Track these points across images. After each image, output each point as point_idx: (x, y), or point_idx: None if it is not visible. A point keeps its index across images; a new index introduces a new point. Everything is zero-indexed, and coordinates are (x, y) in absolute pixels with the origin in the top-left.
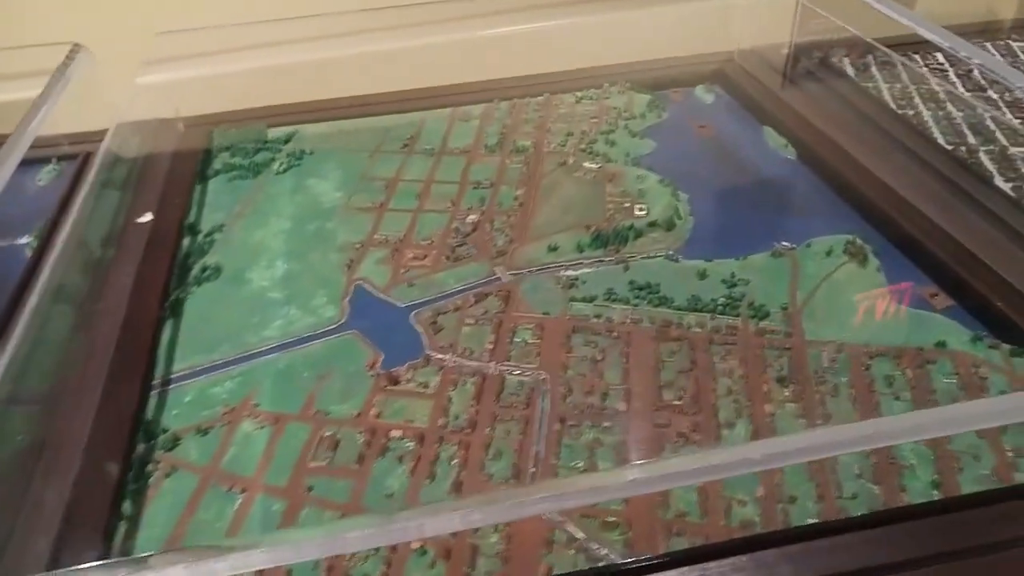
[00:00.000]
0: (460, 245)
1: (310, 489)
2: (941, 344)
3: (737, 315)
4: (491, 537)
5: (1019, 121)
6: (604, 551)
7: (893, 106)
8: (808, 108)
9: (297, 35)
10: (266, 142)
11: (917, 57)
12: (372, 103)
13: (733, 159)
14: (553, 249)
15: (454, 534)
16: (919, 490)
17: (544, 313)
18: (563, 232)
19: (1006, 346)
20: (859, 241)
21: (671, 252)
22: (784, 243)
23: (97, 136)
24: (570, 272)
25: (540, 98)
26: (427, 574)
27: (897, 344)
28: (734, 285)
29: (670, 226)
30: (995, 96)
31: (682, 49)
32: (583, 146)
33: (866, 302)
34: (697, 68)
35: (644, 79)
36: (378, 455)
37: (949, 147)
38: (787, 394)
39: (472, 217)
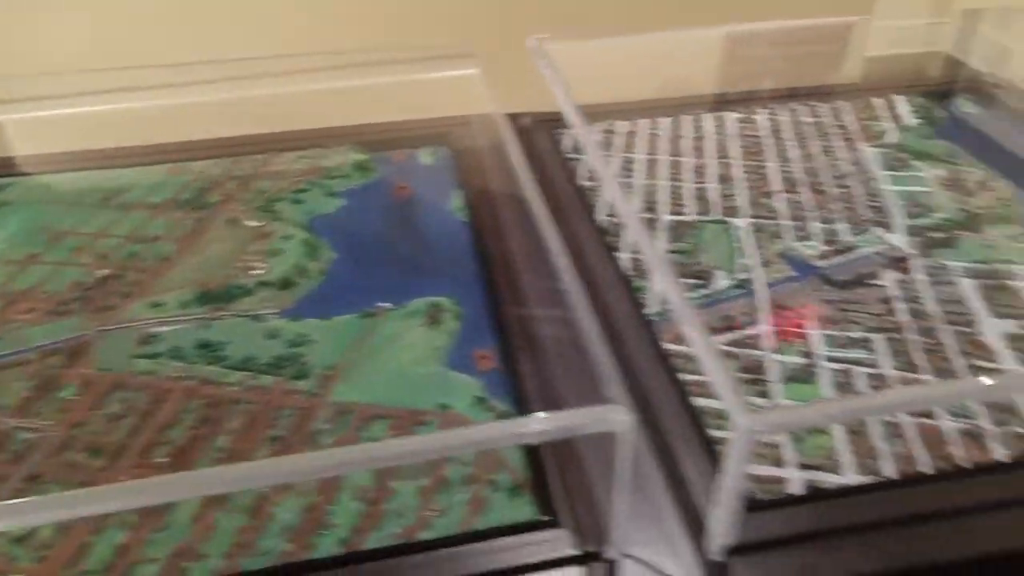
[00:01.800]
0: (75, 299)
1: None
2: (444, 406)
3: (278, 375)
4: None
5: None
6: None
7: (585, 179)
8: (500, 176)
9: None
10: None
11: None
12: (107, 156)
13: (409, 220)
14: (156, 306)
15: None
16: (326, 547)
17: (102, 370)
18: (177, 290)
19: (502, 408)
20: (448, 304)
21: (275, 311)
22: (383, 304)
23: None
24: (154, 329)
25: (261, 156)
26: None
27: (408, 406)
28: (298, 345)
29: (286, 285)
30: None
31: (421, 112)
32: (265, 204)
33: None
34: (432, 131)
35: (375, 140)
36: None
37: (603, 224)
38: (268, 453)
39: (103, 272)
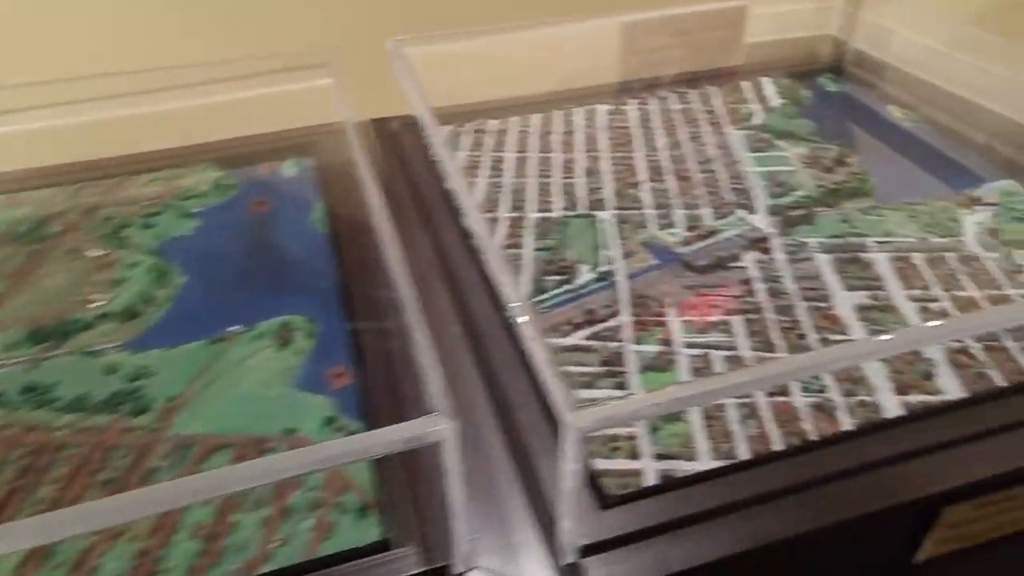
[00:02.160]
0: None
1: None
2: (290, 430)
3: (115, 413)
4: None
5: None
6: None
7: (456, 180)
8: (363, 185)
9: None
10: None
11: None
12: None
13: (267, 237)
14: None
15: None
16: None
17: None
18: (3, 331)
19: (353, 426)
20: (302, 321)
21: (116, 345)
22: (233, 328)
23: None
24: None
25: (112, 181)
26: None
27: (254, 432)
28: (138, 379)
29: (131, 316)
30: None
31: (286, 123)
32: (112, 232)
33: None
34: (297, 141)
35: (236, 156)
36: None
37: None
38: (98, 498)
39: None
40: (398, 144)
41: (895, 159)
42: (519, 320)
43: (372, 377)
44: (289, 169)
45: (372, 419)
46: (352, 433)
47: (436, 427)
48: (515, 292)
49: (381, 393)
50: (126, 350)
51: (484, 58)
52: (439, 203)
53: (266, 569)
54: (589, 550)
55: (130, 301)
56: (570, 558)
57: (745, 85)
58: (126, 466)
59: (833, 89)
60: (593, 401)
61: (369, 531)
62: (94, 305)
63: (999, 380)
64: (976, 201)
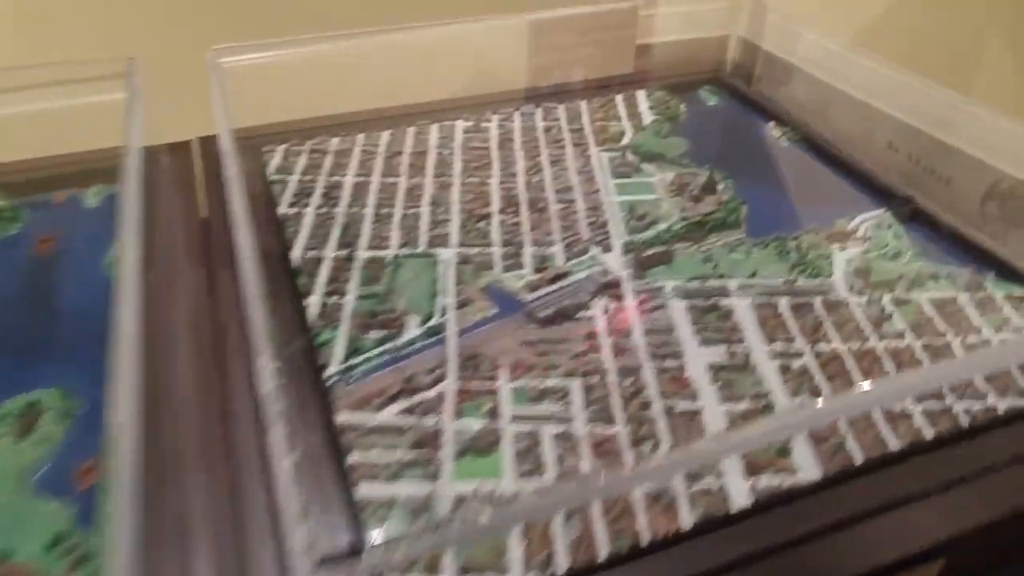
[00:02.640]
0: None
1: None
2: (4, 554)
3: None
4: None
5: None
6: None
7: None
8: (177, 215)
9: None
10: None
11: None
12: None
13: (44, 285)
14: None
15: None
16: None
17: None
18: None
19: (87, 547)
20: (55, 399)
21: None
22: None
23: None
24: None
25: None
26: None
27: None
28: None
29: None
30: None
31: (101, 140)
32: None
33: None
34: (109, 164)
35: (27, 181)
36: None
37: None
38: None
39: None
40: (224, 167)
41: (770, 185)
42: (269, 411)
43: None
44: (91, 199)
45: None
46: (86, 556)
47: None
48: (268, 365)
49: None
50: None
51: (334, 67)
52: (269, 235)
53: None
54: None
55: None
56: None
57: (619, 98)
58: None
59: (713, 103)
60: (391, 503)
61: None
62: None
63: (858, 456)
64: (849, 235)
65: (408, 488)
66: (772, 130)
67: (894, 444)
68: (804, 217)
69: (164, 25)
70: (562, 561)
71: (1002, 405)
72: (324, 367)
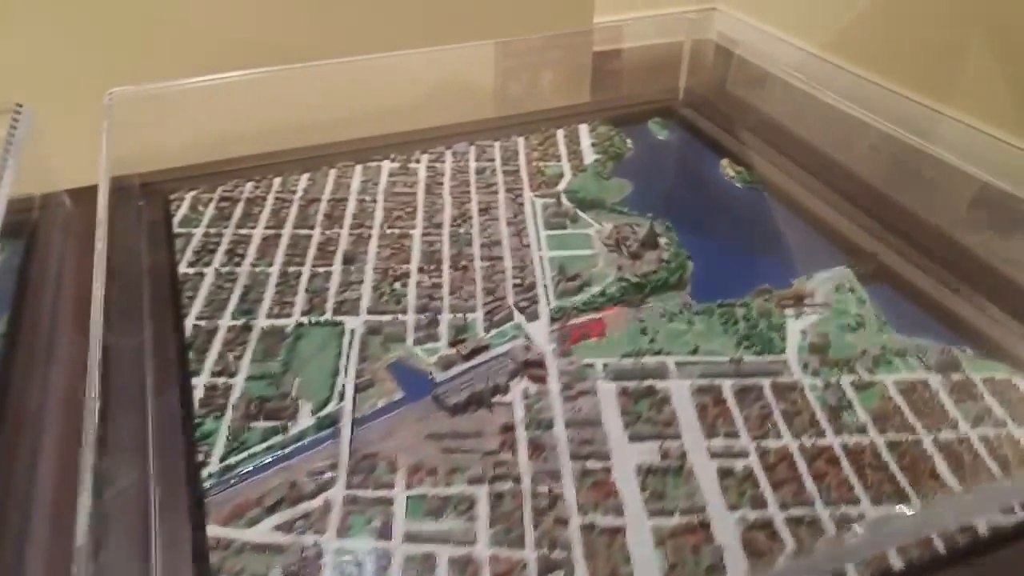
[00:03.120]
0: None
1: None
2: None
3: None
4: None
5: None
6: None
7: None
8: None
9: None
10: None
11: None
12: None
13: None
14: None
15: None
16: None
17: None
18: None
19: None
20: None
21: None
22: None
23: None
24: None
25: None
26: None
27: None
28: None
29: None
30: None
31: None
32: None
33: None
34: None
35: None
36: None
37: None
38: None
39: None
40: (135, 211)
41: (720, 235)
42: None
43: None
44: None
45: None
46: None
47: None
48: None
49: None
50: None
51: (254, 102)
52: (165, 294)
53: None
54: None
55: None
56: None
57: (560, 134)
58: None
59: (663, 137)
60: None
61: None
62: None
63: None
64: (804, 298)
65: None
66: (726, 168)
67: None
68: (756, 275)
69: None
70: None
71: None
72: (203, 465)
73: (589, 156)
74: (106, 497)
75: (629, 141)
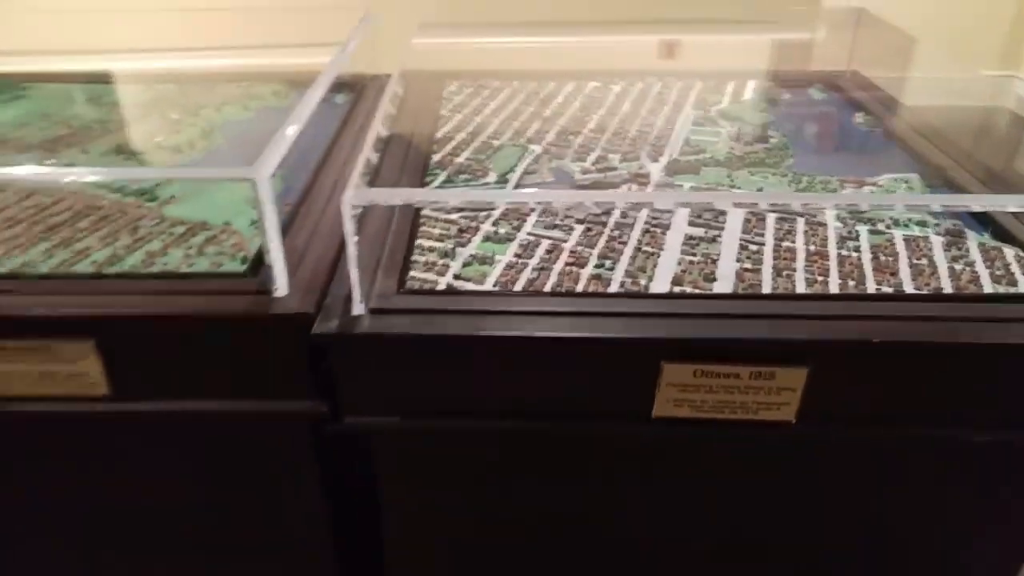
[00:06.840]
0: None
1: None
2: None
3: None
4: None
5: None
6: None
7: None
8: None
9: None
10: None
11: None
12: None
13: None
14: None
15: None
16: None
17: None
18: None
19: None
20: None
21: None
22: None
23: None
24: None
25: None
26: None
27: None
28: None
29: None
30: None
31: None
32: None
33: None
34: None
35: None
36: None
37: None
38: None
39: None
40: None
41: (826, 150)
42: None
43: None
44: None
45: None
46: None
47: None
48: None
49: None
50: None
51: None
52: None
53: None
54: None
55: None
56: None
57: (731, 84)
58: None
59: (819, 97)
60: (432, 250)
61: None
62: None
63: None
64: (864, 183)
65: (438, 246)
66: (857, 119)
67: None
68: (838, 172)
69: None
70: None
71: None
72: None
73: (750, 95)
74: None
75: (788, 95)
